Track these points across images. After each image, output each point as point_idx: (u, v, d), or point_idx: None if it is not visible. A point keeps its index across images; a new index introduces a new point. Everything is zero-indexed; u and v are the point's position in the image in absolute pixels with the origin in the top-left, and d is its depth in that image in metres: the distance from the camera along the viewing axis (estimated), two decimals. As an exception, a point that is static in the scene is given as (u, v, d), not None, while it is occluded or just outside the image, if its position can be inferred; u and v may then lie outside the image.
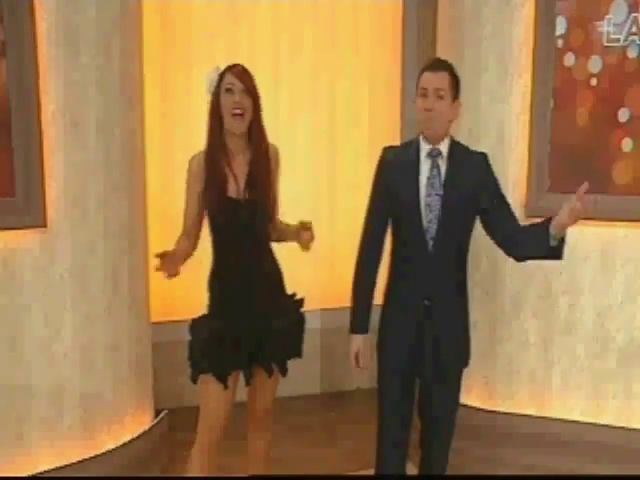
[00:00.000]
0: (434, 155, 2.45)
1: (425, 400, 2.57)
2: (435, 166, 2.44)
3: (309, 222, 2.59)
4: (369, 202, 2.57)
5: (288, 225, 2.70)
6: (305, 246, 2.63)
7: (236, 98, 2.44)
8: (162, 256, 2.28)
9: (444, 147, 2.46)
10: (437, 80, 2.39)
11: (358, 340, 2.56)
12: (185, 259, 2.50)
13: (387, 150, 2.56)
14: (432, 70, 2.41)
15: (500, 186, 2.52)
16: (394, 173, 2.49)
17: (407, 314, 2.49)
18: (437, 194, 2.41)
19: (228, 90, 2.45)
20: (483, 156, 2.52)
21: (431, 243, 2.42)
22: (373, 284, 2.56)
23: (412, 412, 2.57)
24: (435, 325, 2.45)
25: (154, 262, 2.30)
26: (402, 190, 2.45)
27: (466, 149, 2.53)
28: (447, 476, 2.62)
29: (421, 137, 2.48)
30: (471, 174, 2.46)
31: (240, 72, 2.48)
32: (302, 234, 2.59)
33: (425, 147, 2.46)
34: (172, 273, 2.35)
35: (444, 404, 2.56)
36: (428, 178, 2.43)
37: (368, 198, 2.57)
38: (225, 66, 2.51)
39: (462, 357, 2.57)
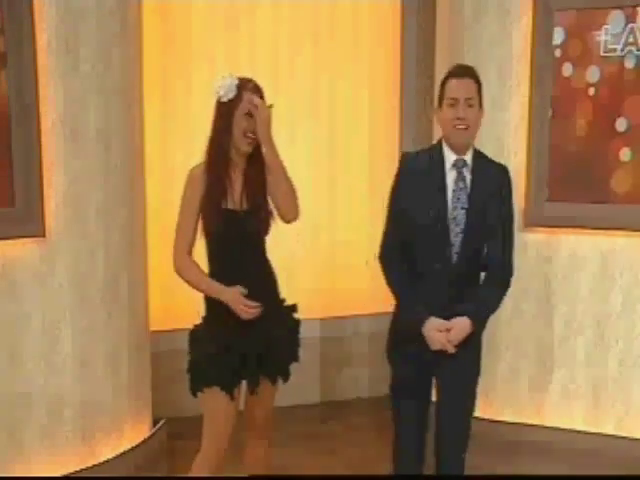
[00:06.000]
0: (460, 166, 2.37)
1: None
2: (461, 178, 2.37)
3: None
4: (389, 213, 2.48)
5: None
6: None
7: (253, 126, 2.44)
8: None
9: (469, 157, 2.39)
10: (466, 88, 2.33)
11: (431, 325, 2.36)
12: None
13: (406, 157, 2.49)
14: (460, 77, 2.35)
15: (510, 211, 2.46)
16: (417, 184, 2.40)
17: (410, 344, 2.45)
18: (463, 207, 2.35)
19: (248, 114, 2.43)
20: (504, 170, 2.46)
21: (455, 257, 2.36)
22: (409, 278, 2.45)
23: (427, 414, 2.54)
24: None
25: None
26: (428, 203, 2.36)
27: (487, 159, 2.47)
28: (446, 476, 2.59)
29: (445, 146, 2.40)
30: (493, 187, 2.40)
31: (260, 92, 2.47)
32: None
33: (450, 157, 2.38)
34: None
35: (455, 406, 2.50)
36: (454, 191, 2.36)
37: (387, 208, 2.49)
38: (238, 76, 2.46)
39: (475, 370, 2.53)
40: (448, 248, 2.35)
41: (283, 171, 2.50)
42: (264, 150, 2.49)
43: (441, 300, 2.39)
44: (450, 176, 2.38)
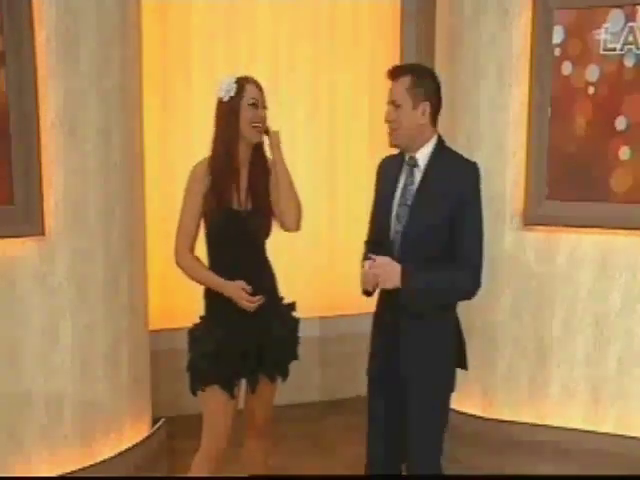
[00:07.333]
0: (411, 165, 2.36)
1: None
2: (410, 175, 2.35)
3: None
4: (371, 213, 2.55)
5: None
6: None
7: (260, 113, 2.52)
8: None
9: (422, 156, 2.33)
10: (392, 89, 2.33)
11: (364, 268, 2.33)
12: None
13: (383, 160, 2.55)
14: (389, 79, 2.35)
15: (477, 213, 2.31)
16: (382, 180, 2.48)
17: (380, 328, 2.45)
18: (406, 204, 2.31)
19: (252, 104, 2.51)
20: (471, 167, 2.32)
21: (396, 255, 2.30)
22: None
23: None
24: (407, 345, 2.34)
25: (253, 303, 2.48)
26: (381, 197, 2.43)
27: (454, 158, 2.37)
28: (446, 476, 2.58)
29: None
30: (450, 187, 2.27)
31: (260, 86, 2.55)
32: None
33: (406, 156, 2.40)
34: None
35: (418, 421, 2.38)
36: (402, 188, 2.35)
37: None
38: (237, 75, 2.54)
39: (438, 386, 2.40)
40: (388, 245, 2.34)
41: (290, 181, 2.56)
42: (272, 161, 2.57)
43: (390, 301, 2.36)
44: (403, 173, 2.39)
